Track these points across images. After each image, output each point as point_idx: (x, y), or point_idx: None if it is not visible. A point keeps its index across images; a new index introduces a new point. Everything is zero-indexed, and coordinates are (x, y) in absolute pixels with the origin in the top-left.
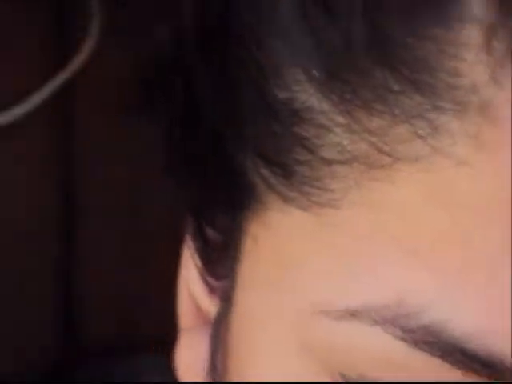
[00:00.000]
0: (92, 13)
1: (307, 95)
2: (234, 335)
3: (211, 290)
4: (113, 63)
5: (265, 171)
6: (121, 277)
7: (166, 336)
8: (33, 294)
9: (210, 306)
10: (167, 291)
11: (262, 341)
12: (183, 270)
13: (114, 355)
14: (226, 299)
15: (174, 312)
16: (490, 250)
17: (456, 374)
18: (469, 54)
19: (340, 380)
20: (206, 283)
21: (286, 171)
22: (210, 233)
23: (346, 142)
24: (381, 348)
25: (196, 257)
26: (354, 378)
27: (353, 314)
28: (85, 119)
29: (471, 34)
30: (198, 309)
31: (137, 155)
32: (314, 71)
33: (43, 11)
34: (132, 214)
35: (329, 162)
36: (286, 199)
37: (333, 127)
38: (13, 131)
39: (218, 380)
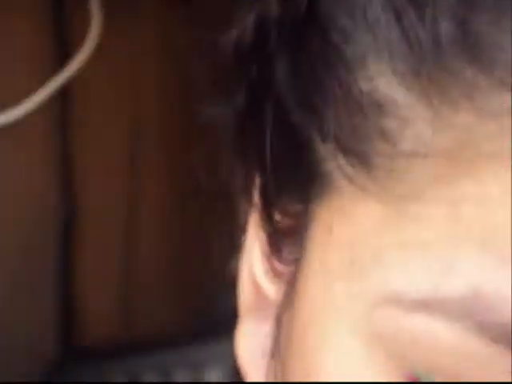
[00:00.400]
0: (92, 13)
1: (390, 88)
2: (300, 321)
3: (276, 274)
4: (113, 63)
5: (343, 160)
6: (121, 276)
7: (166, 336)
8: (33, 294)
9: (273, 290)
10: (167, 291)
11: (329, 329)
12: (246, 254)
13: (114, 355)
14: (293, 284)
15: (174, 311)
16: None
17: None
18: None
19: (408, 373)
20: (272, 267)
21: (365, 162)
22: (280, 218)
23: (428, 136)
24: (452, 341)
25: (263, 241)
26: (421, 371)
27: (426, 305)
28: (85, 119)
29: None
30: (260, 293)
31: (137, 155)
32: (399, 65)
33: (43, 11)
34: (132, 214)
35: (409, 155)
36: (363, 189)
37: (415, 120)
38: (13, 131)
39: (279, 366)
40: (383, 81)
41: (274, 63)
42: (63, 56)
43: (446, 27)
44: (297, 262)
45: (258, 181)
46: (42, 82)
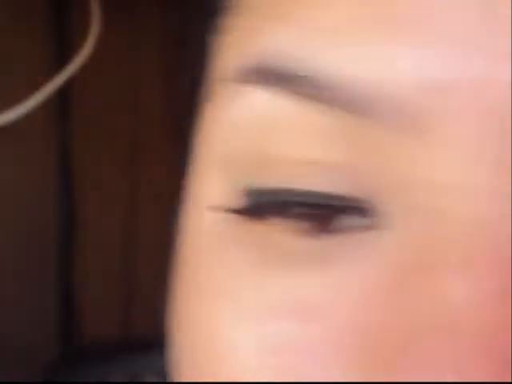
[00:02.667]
0: (92, 13)
1: None
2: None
3: None
4: (113, 63)
5: None
6: (121, 276)
7: (166, 336)
8: (33, 293)
9: None
10: (167, 291)
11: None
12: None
13: (113, 355)
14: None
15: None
16: None
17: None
18: None
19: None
20: None
21: None
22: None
23: None
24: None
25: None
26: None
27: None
28: (85, 119)
29: None
30: None
31: (137, 154)
32: None
33: (43, 11)
34: (132, 214)
35: None
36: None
37: None
38: (13, 131)
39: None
40: None
41: None
42: (63, 56)
43: None
44: None
45: None
46: (42, 82)
